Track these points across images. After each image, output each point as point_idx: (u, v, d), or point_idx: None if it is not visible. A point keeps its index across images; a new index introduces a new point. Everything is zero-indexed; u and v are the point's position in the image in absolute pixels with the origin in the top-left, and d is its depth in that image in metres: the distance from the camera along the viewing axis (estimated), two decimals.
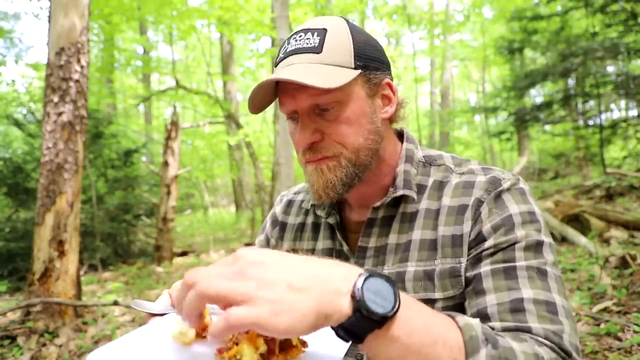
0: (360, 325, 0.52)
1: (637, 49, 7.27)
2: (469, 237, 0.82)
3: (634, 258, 3.72)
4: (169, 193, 7.35)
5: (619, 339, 2.66)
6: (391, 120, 0.93)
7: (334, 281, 0.53)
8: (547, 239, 0.80)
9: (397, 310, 0.54)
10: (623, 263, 3.75)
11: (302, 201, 1.08)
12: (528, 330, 0.69)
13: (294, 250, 1.04)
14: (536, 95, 12.03)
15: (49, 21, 4.00)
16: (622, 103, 11.41)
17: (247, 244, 8.76)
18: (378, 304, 0.53)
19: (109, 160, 7.88)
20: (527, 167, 12.05)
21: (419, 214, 0.88)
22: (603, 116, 8.90)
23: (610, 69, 9.09)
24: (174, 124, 7.56)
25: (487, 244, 0.79)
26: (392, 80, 0.90)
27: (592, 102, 8.88)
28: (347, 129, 0.83)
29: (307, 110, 0.83)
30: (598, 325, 2.88)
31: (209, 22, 9.57)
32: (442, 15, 13.66)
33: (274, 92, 0.86)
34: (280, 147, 5.38)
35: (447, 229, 0.84)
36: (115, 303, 3.87)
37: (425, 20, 13.07)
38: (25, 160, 6.80)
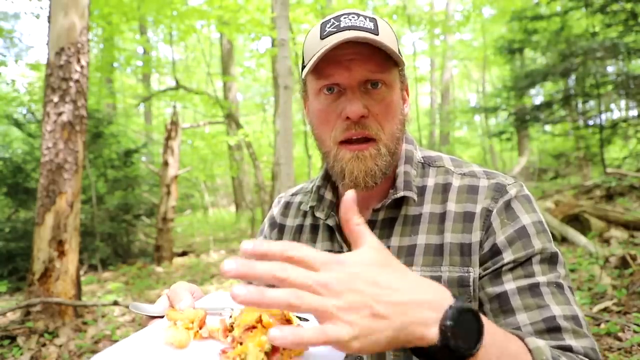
0: (443, 357, 0.52)
1: (637, 49, 7.26)
2: (481, 248, 0.82)
3: (634, 258, 3.72)
4: (169, 193, 7.35)
5: (619, 339, 2.66)
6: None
7: (421, 310, 0.51)
8: (556, 249, 0.82)
9: (480, 346, 0.54)
10: (623, 263, 3.75)
11: (300, 203, 1.07)
12: (569, 349, 0.71)
13: None
14: (536, 95, 12.02)
15: (49, 21, 3.99)
16: (622, 103, 11.41)
17: None
18: (464, 339, 0.52)
19: (109, 160, 7.88)
20: (527, 167, 12.04)
21: (422, 217, 0.87)
22: (603, 116, 8.89)
23: (610, 69, 9.08)
24: (174, 124, 7.56)
25: (506, 259, 0.80)
26: None
27: (592, 102, 8.87)
28: (390, 112, 0.85)
29: (358, 84, 0.82)
30: (598, 325, 2.88)
31: (209, 22, 9.56)
32: (442, 15, 13.66)
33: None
34: (280, 147, 5.37)
35: (455, 236, 0.84)
36: (115, 303, 3.87)
37: (425, 21, 13.05)
38: (25, 160, 6.80)
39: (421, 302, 0.52)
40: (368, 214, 0.91)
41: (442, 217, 0.86)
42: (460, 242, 0.83)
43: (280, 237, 1.07)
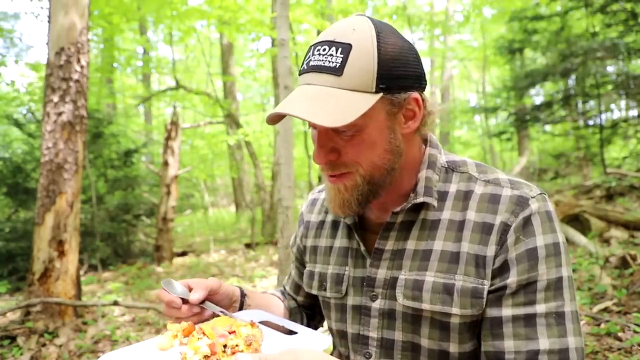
0: None
1: (637, 49, 7.26)
2: (493, 263, 0.82)
3: (634, 258, 3.72)
4: (169, 193, 7.35)
5: (619, 339, 2.66)
6: (415, 130, 0.89)
7: None
8: (565, 273, 0.80)
9: None
10: (623, 263, 3.75)
11: (325, 199, 1.10)
12: None
13: (315, 248, 1.08)
14: (536, 95, 12.01)
15: (49, 21, 3.99)
16: (622, 103, 11.40)
17: (247, 244, 8.75)
18: None
19: (109, 160, 7.88)
20: (527, 167, 12.03)
21: (441, 223, 0.88)
22: (603, 116, 8.88)
23: (610, 69, 9.07)
24: (174, 124, 7.56)
25: (509, 280, 0.80)
26: (423, 90, 0.86)
27: (592, 102, 8.86)
28: (364, 150, 0.82)
29: (325, 129, 0.82)
30: (598, 325, 2.88)
31: (209, 22, 9.56)
32: (442, 15, 13.66)
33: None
34: (280, 147, 5.37)
35: (472, 246, 0.83)
36: (115, 303, 3.87)
37: (425, 21, 13.06)
38: (25, 160, 6.79)
39: None
40: (387, 216, 0.92)
41: (461, 225, 0.86)
42: (476, 253, 0.83)
43: (305, 232, 1.12)
